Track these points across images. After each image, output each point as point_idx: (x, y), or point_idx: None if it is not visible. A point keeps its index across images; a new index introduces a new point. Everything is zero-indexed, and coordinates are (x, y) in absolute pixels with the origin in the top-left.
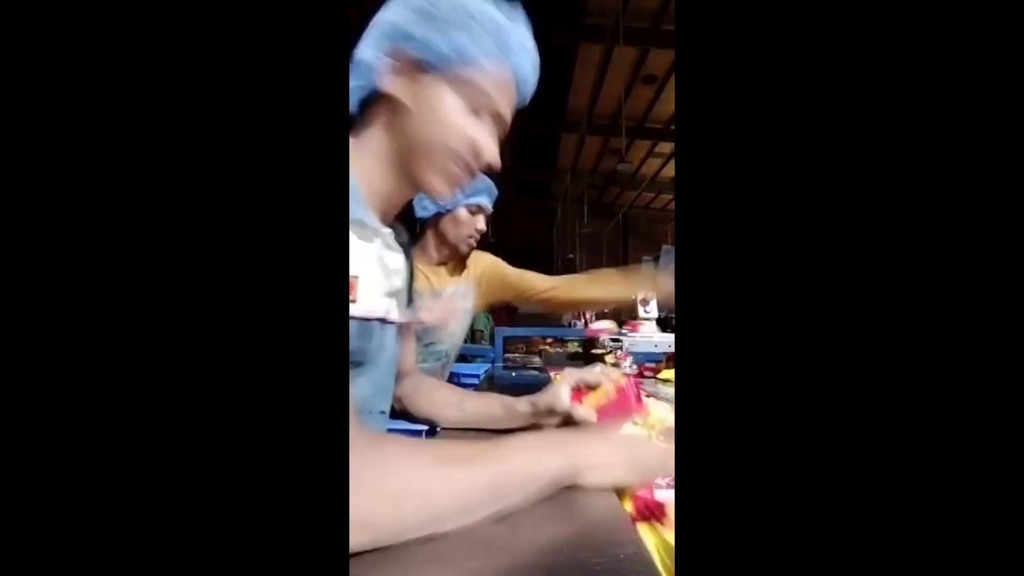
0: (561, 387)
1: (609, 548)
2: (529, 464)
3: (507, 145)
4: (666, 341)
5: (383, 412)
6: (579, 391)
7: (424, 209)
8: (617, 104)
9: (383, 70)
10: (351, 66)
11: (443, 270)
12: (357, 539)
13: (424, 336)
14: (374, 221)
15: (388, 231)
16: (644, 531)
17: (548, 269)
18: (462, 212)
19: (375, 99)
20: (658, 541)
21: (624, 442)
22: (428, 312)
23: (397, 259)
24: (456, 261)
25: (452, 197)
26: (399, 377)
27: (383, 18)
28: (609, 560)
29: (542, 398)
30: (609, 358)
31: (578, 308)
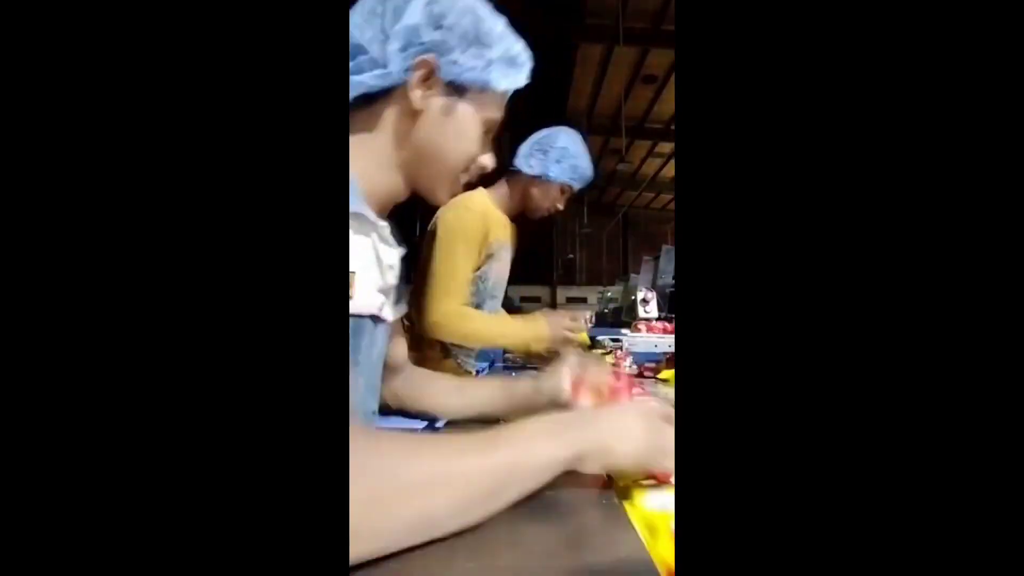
0: (563, 375)
1: (609, 548)
2: (531, 455)
3: (507, 145)
4: (666, 341)
5: (374, 412)
6: (578, 383)
7: (529, 167)
8: (617, 104)
9: (411, 79)
10: (362, 59)
11: (511, 227)
12: (355, 551)
13: (495, 289)
14: (372, 215)
15: (385, 224)
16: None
17: (548, 269)
18: (556, 188)
19: (383, 98)
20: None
21: (629, 425)
22: (501, 264)
23: (392, 254)
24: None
25: (446, 202)
26: (393, 371)
27: (408, 23)
28: (609, 560)
29: (545, 383)
30: (609, 358)
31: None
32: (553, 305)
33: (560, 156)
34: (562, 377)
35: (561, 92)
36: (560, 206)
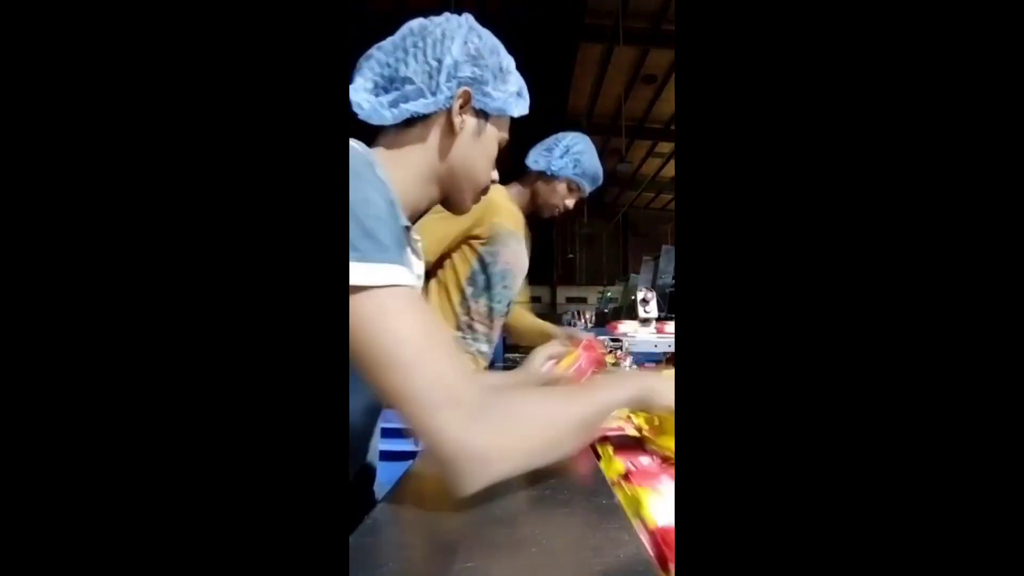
0: (535, 358)
1: (609, 548)
2: (610, 396)
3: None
4: (666, 341)
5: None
6: (554, 360)
7: (535, 163)
8: (617, 104)
9: (454, 106)
10: (409, 89)
11: (520, 216)
12: (499, 468)
13: (504, 278)
14: (403, 218)
15: (418, 239)
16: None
17: (548, 269)
18: (562, 184)
19: (424, 121)
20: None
21: (666, 379)
22: (510, 251)
23: (421, 266)
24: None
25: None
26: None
27: (453, 60)
28: (609, 560)
29: (526, 369)
30: (609, 358)
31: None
32: (553, 305)
33: (564, 152)
34: (535, 362)
35: (561, 92)
36: (569, 204)
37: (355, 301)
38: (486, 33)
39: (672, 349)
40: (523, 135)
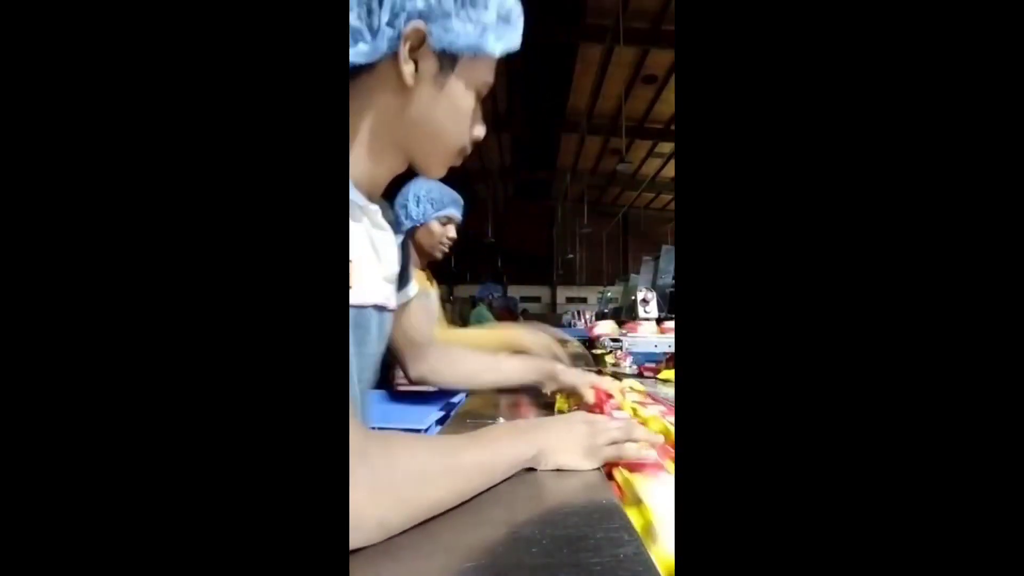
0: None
1: (609, 548)
2: (501, 454)
3: (508, 146)
4: (666, 341)
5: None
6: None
7: (400, 224)
8: (617, 104)
9: (400, 52)
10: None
11: (422, 275)
12: (366, 536)
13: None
14: (361, 198)
15: (376, 208)
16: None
17: (548, 269)
18: (434, 224)
19: (368, 73)
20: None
21: (578, 429)
22: (426, 312)
23: (387, 238)
24: (428, 269)
25: (443, 174)
26: (421, 348)
27: None
28: (609, 560)
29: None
30: (609, 358)
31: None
32: (553, 305)
33: (416, 200)
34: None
35: (561, 92)
36: (452, 235)
37: None
38: None
39: (671, 349)
40: (523, 136)
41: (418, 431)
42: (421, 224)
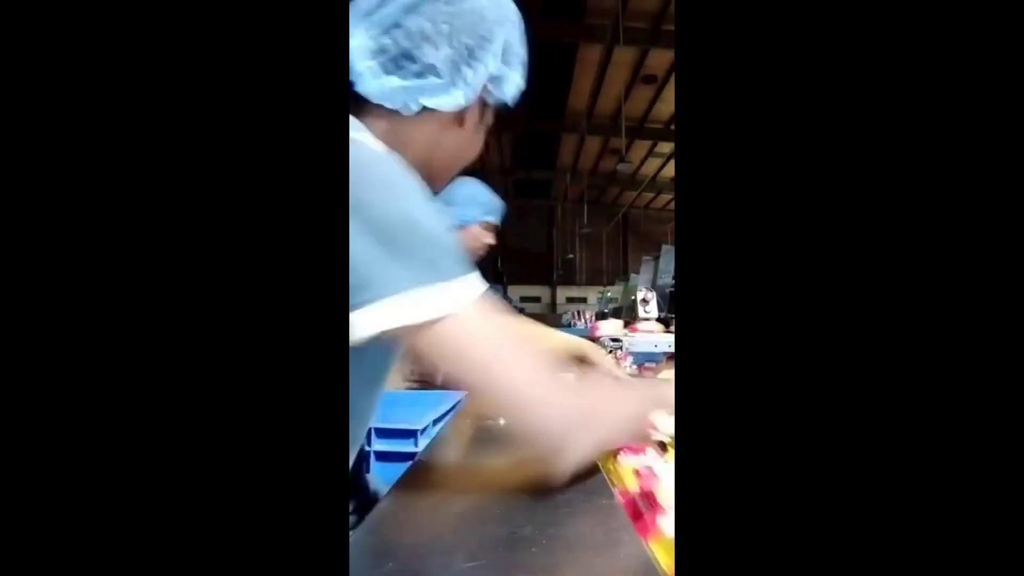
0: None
1: (609, 548)
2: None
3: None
4: (666, 341)
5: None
6: None
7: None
8: (617, 104)
9: (476, 106)
10: (433, 81)
11: None
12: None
13: None
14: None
15: None
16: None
17: (548, 269)
18: (476, 228)
19: (432, 111)
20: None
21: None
22: None
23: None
24: None
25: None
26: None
27: (486, 51)
28: (609, 560)
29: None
30: (609, 358)
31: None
32: (553, 305)
33: (466, 201)
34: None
35: (561, 92)
36: (490, 241)
37: (445, 324)
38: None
39: (671, 349)
40: (523, 135)
41: (414, 432)
42: (465, 225)
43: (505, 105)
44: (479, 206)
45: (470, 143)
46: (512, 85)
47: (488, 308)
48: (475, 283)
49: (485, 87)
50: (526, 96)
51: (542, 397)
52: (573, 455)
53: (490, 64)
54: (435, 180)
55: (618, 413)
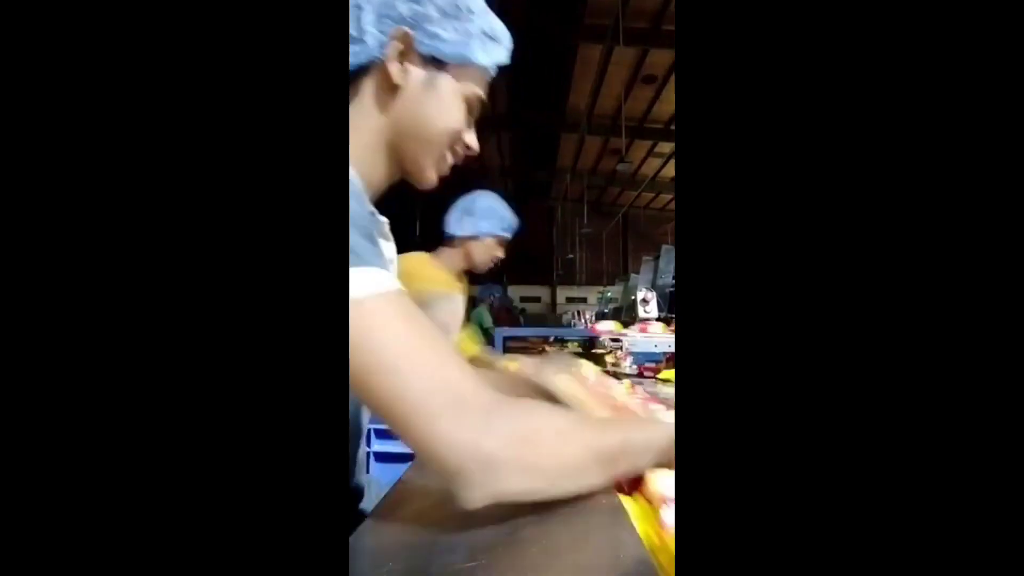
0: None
1: (609, 548)
2: (636, 434)
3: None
4: (666, 341)
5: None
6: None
7: (460, 228)
8: (617, 104)
9: (389, 52)
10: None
11: (450, 278)
12: (511, 482)
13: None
14: (372, 208)
15: (384, 220)
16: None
17: (548, 269)
18: (490, 241)
19: (361, 75)
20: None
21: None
22: (448, 314)
23: (391, 249)
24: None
25: (435, 183)
26: None
27: None
28: (609, 560)
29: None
30: (609, 358)
31: None
32: (553, 305)
33: (485, 214)
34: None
35: (561, 92)
36: (501, 254)
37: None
38: None
39: (671, 349)
40: (523, 136)
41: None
42: (478, 237)
43: (468, 64)
44: (497, 220)
45: (424, 110)
46: (452, 35)
47: (406, 305)
48: (387, 278)
49: (407, 36)
50: (526, 96)
51: (447, 405)
52: (496, 481)
53: (395, 6)
54: (405, 163)
55: (574, 441)
